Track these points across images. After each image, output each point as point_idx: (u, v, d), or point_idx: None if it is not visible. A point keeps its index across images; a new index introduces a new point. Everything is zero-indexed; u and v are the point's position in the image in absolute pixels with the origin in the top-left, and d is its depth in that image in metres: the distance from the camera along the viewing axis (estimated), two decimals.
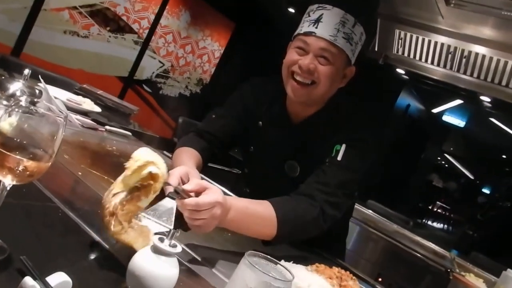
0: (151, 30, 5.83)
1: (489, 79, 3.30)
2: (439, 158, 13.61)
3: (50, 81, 2.52)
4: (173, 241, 0.95)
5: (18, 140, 0.84)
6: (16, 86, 1.95)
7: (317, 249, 1.90)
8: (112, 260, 1.04)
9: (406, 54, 3.60)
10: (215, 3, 6.46)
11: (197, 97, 6.97)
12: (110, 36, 5.38)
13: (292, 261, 1.35)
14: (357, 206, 4.10)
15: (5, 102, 1.78)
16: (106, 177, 1.61)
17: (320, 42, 1.66)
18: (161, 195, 1.16)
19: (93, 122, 2.36)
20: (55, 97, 2.27)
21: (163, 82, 6.38)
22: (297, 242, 1.79)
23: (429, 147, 10.25)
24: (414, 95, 7.48)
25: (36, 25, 4.61)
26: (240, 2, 6.64)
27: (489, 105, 4.11)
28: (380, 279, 3.65)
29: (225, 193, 1.28)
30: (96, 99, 3.06)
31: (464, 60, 3.26)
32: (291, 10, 5.44)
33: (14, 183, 0.86)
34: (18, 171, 0.84)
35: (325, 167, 1.68)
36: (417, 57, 3.56)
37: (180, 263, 0.98)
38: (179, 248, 0.95)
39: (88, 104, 2.69)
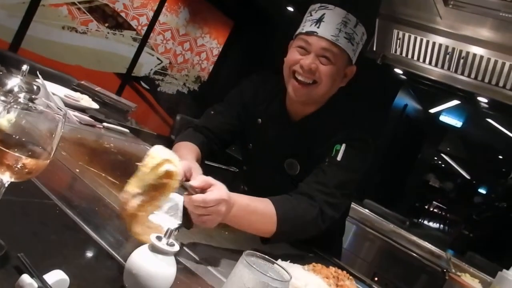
0: (150, 27, 5.82)
1: (486, 80, 3.30)
2: (435, 158, 13.62)
3: (48, 77, 2.51)
4: (170, 240, 0.95)
5: (17, 137, 0.84)
6: (14, 82, 1.95)
7: (314, 248, 1.90)
8: (109, 258, 1.04)
9: (404, 54, 3.60)
10: (214, 1, 6.45)
11: (195, 95, 6.96)
12: (108, 33, 5.37)
13: (289, 260, 1.35)
14: (353, 205, 4.11)
15: (2, 98, 1.77)
16: (103, 175, 1.61)
17: (321, 42, 1.67)
18: None
19: (91, 119, 2.36)
20: (53, 93, 2.27)
21: (161, 79, 6.37)
22: (295, 241, 1.79)
23: (426, 147, 10.25)
24: (411, 95, 7.49)
25: (34, 21, 4.59)
26: (239, 0, 6.64)
27: (486, 106, 4.12)
28: (376, 279, 3.66)
29: None
30: (94, 96, 3.06)
31: (461, 60, 3.26)
32: (290, 8, 5.44)
33: (12, 180, 0.86)
34: (16, 168, 0.84)
35: (324, 167, 1.68)
36: (415, 57, 3.57)
37: (178, 262, 0.98)
38: (176, 247, 0.95)
39: (86, 101, 2.68)
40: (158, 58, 6.16)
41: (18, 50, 4.54)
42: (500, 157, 11.12)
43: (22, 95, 0.84)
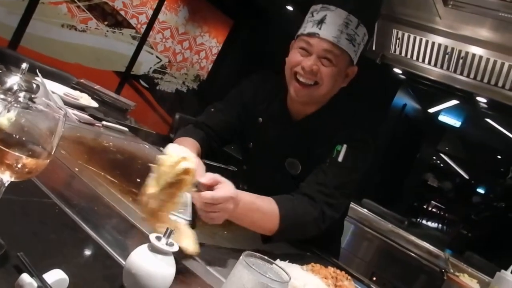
0: (149, 25, 5.81)
1: (485, 80, 3.31)
2: (434, 158, 13.62)
3: (47, 75, 2.51)
4: (170, 240, 0.95)
5: (17, 136, 0.84)
6: (13, 80, 1.95)
7: (313, 248, 1.90)
8: (108, 258, 1.04)
9: (403, 54, 3.61)
10: (213, 0, 6.45)
11: (194, 93, 6.96)
12: (107, 31, 5.36)
13: (287, 260, 1.35)
14: (352, 204, 4.11)
15: (2, 96, 1.77)
16: (102, 173, 1.61)
17: (323, 44, 1.67)
18: None
19: (90, 118, 2.36)
20: (52, 92, 2.27)
21: (160, 78, 6.37)
22: (294, 241, 1.80)
23: (425, 147, 10.26)
24: (410, 94, 7.49)
25: (34, 18, 4.59)
26: None
27: (485, 106, 4.13)
28: (374, 278, 3.66)
29: None
30: (93, 94, 3.06)
31: (461, 60, 3.27)
32: (289, 8, 5.44)
33: (13, 179, 0.86)
34: (16, 168, 0.84)
35: (325, 168, 1.69)
36: (414, 57, 3.57)
37: (177, 262, 0.98)
38: (175, 247, 0.95)
39: (85, 99, 2.68)
40: (157, 57, 6.16)
41: (17, 47, 4.54)
42: (499, 157, 11.13)
43: (22, 94, 0.84)
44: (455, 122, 8.62)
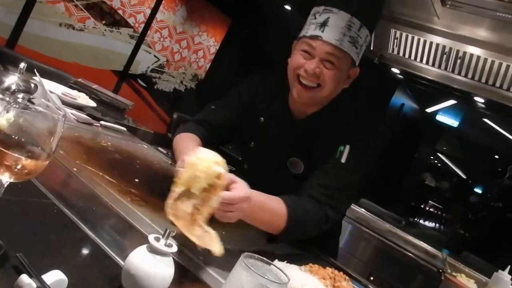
0: (147, 24, 5.81)
1: (483, 80, 3.32)
2: (432, 158, 13.64)
3: (45, 74, 2.51)
4: (168, 241, 0.95)
5: (16, 137, 0.84)
6: (11, 80, 1.95)
7: (311, 247, 1.90)
8: (107, 258, 1.04)
9: (401, 54, 3.62)
10: None
11: (192, 93, 6.96)
12: (105, 30, 5.35)
13: (286, 261, 1.36)
14: None
15: (0, 96, 1.77)
16: (101, 174, 1.61)
17: (326, 47, 1.67)
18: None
19: (88, 117, 2.36)
20: (51, 91, 2.26)
21: (158, 77, 6.36)
22: (293, 240, 1.80)
23: (423, 147, 10.28)
24: (408, 94, 7.50)
25: (31, 17, 4.58)
26: None
27: (483, 106, 4.13)
28: (371, 278, 3.67)
29: None
30: (91, 94, 3.05)
31: (458, 60, 3.27)
32: (288, 7, 5.44)
33: (12, 180, 0.86)
34: (16, 169, 0.84)
35: (329, 169, 1.70)
36: (412, 57, 3.58)
37: (176, 263, 0.98)
38: (174, 248, 0.95)
39: (83, 99, 2.68)
40: (155, 56, 6.16)
41: (15, 46, 4.53)
42: (496, 157, 11.15)
43: (21, 95, 0.84)
44: (453, 122, 8.64)
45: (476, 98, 3.74)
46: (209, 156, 1.22)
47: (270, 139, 1.92)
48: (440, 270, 3.33)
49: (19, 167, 0.84)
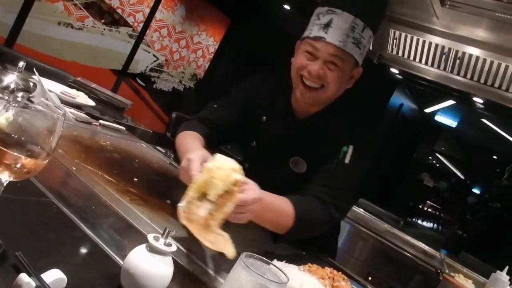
0: (146, 23, 5.80)
1: (482, 80, 3.32)
2: (430, 158, 13.64)
3: (44, 73, 2.51)
4: (168, 240, 0.95)
5: (16, 136, 0.84)
6: (10, 79, 1.95)
7: (311, 247, 1.90)
8: (106, 257, 1.04)
9: (400, 54, 3.62)
10: None
11: (190, 92, 6.96)
12: (104, 29, 5.35)
13: (284, 261, 1.35)
14: None
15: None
16: (100, 173, 1.61)
17: (329, 48, 1.67)
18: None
19: (87, 116, 2.36)
20: (49, 90, 2.26)
21: (157, 76, 6.36)
22: (294, 240, 1.80)
23: (421, 147, 10.28)
24: (407, 94, 7.50)
25: (30, 16, 4.57)
26: None
27: (482, 106, 4.13)
28: (369, 278, 3.67)
29: None
30: (90, 93, 3.05)
31: (457, 61, 3.27)
32: (287, 7, 5.44)
33: (11, 179, 0.86)
34: (15, 168, 0.84)
35: (333, 169, 1.72)
36: (411, 57, 3.58)
37: (175, 262, 0.98)
38: (174, 247, 0.95)
39: (82, 98, 2.68)
40: (154, 55, 6.15)
41: (14, 45, 4.52)
42: (495, 157, 11.16)
43: (20, 94, 0.84)
44: (452, 122, 8.65)
45: (475, 99, 3.75)
46: (227, 164, 1.23)
47: (272, 138, 1.92)
48: (438, 271, 3.33)
49: (18, 166, 0.84)
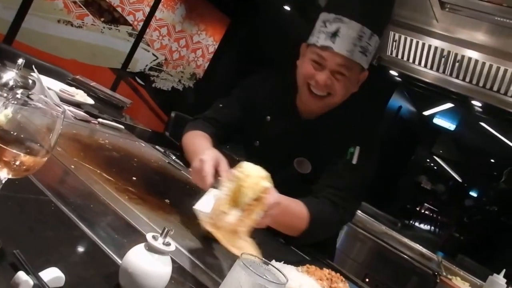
0: (146, 22, 5.80)
1: (481, 84, 3.32)
2: (428, 160, 13.66)
3: (43, 70, 2.50)
4: (166, 240, 0.95)
5: (15, 133, 0.83)
6: (9, 76, 1.94)
7: (309, 248, 1.90)
8: (104, 256, 1.04)
9: (399, 56, 3.62)
10: None
11: (190, 92, 6.96)
12: (104, 27, 5.35)
13: (283, 261, 1.35)
14: None
15: None
16: (98, 171, 1.60)
17: (337, 58, 1.67)
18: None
19: (86, 114, 2.35)
20: (49, 88, 2.26)
21: (156, 75, 6.36)
22: (292, 240, 1.80)
23: (419, 149, 10.29)
24: (406, 97, 7.51)
25: (30, 13, 4.57)
26: None
27: (480, 109, 4.13)
28: (367, 280, 3.67)
29: None
30: (89, 91, 3.05)
31: (457, 64, 3.28)
32: (286, 7, 5.44)
33: (10, 176, 0.86)
34: (14, 165, 0.83)
35: (341, 171, 1.73)
36: (411, 60, 3.58)
37: (173, 261, 0.98)
38: (172, 247, 0.95)
39: (81, 96, 2.67)
40: (153, 54, 6.15)
41: (13, 42, 4.52)
42: (492, 160, 11.18)
43: (20, 91, 0.84)
44: (450, 125, 8.66)
45: (474, 102, 3.75)
46: (256, 172, 1.25)
47: (276, 138, 1.91)
48: (436, 273, 3.33)
49: (17, 163, 0.83)
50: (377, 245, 3.86)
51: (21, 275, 0.77)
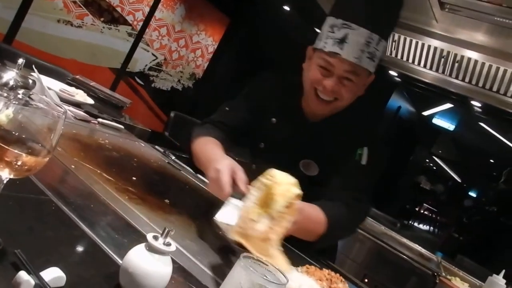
0: (145, 22, 5.81)
1: (480, 84, 3.33)
2: (427, 161, 13.67)
3: (43, 70, 2.50)
4: (167, 240, 0.95)
5: (17, 134, 0.83)
6: (9, 75, 1.94)
7: (310, 250, 1.90)
8: (105, 256, 1.04)
9: (399, 57, 3.62)
10: None
11: (189, 92, 6.96)
12: (104, 27, 5.35)
13: None
14: None
15: None
16: (98, 171, 1.60)
17: (345, 65, 1.66)
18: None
19: (86, 114, 2.35)
20: (49, 88, 2.26)
21: (156, 75, 6.36)
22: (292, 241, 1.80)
23: (418, 149, 10.30)
24: (405, 97, 7.52)
25: (30, 13, 4.57)
26: None
27: (479, 110, 4.14)
28: (366, 280, 3.67)
29: None
30: (89, 91, 3.05)
31: (456, 64, 3.28)
32: (286, 7, 5.45)
33: (11, 177, 0.86)
34: (16, 166, 0.84)
35: (352, 172, 1.74)
36: (410, 60, 3.59)
37: (174, 262, 0.98)
38: (173, 247, 0.95)
39: (81, 96, 2.67)
40: (153, 54, 6.15)
41: (13, 42, 4.52)
42: (492, 161, 11.19)
43: (21, 91, 0.84)
44: (449, 126, 8.67)
45: (473, 102, 3.76)
46: (286, 179, 1.24)
47: (281, 140, 1.90)
48: (435, 273, 3.34)
49: (19, 163, 0.83)
50: (376, 246, 3.86)
51: (23, 274, 0.77)
